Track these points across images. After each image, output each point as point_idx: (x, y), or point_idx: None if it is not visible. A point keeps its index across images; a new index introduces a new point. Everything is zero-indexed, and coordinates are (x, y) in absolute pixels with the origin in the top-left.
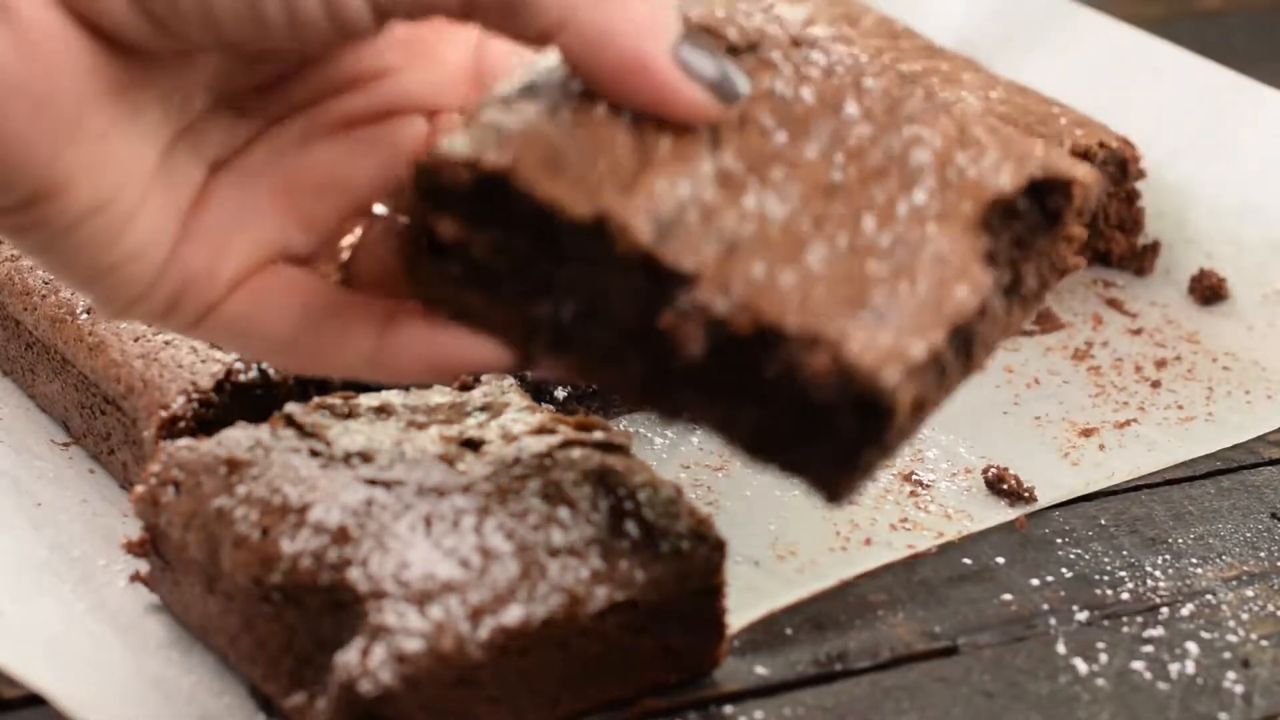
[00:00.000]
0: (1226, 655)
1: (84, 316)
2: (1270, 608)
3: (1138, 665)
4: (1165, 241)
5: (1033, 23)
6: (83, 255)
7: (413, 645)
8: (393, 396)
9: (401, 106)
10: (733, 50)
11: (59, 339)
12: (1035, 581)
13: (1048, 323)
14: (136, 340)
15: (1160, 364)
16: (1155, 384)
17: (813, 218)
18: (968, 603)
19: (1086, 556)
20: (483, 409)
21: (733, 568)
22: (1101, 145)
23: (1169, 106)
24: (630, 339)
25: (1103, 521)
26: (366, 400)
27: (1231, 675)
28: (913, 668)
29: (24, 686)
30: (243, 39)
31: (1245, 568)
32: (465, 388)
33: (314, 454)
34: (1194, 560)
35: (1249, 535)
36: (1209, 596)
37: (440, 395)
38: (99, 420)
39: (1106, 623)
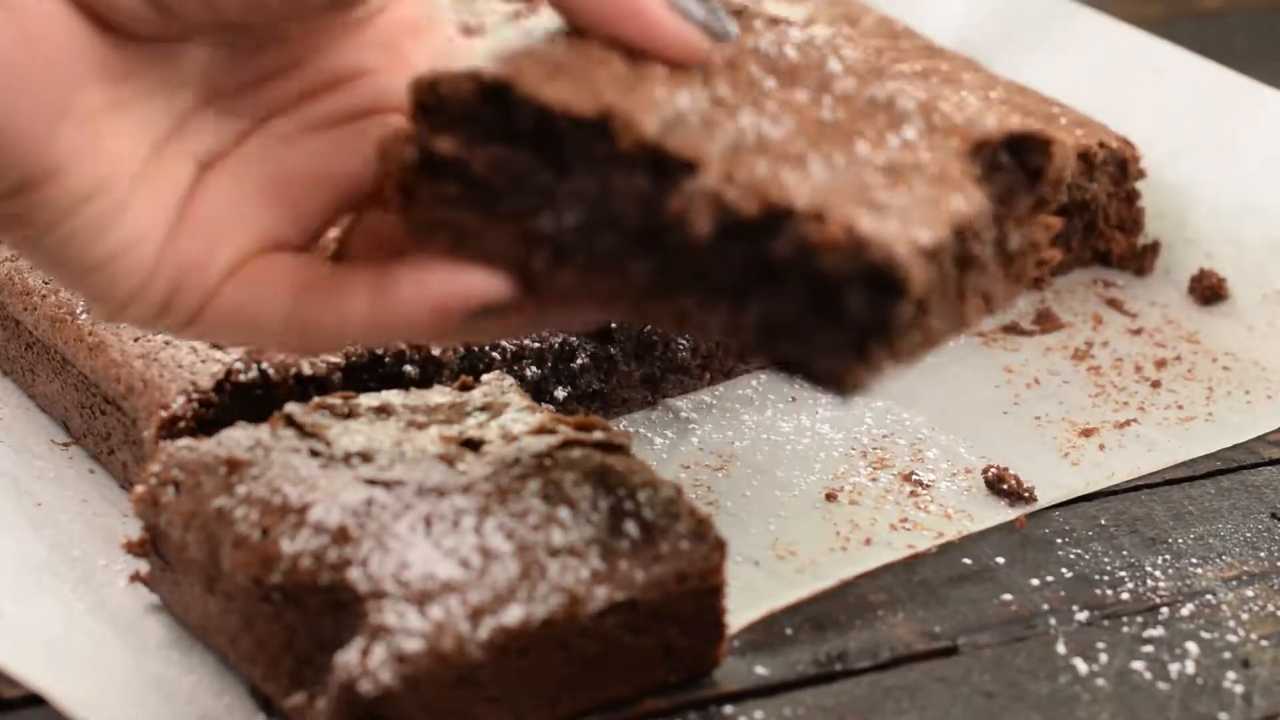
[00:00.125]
0: (1226, 655)
1: (84, 316)
2: (1270, 608)
3: (1138, 665)
4: (1165, 241)
5: (1033, 23)
6: (74, 247)
7: (413, 645)
8: (393, 396)
9: (381, 106)
10: None
11: (59, 339)
12: (1035, 581)
13: (1048, 323)
14: (136, 340)
15: (1160, 364)
16: (1155, 384)
17: (808, 140)
18: (968, 603)
19: (1086, 556)
20: (483, 409)
21: (733, 568)
22: (1101, 145)
23: (1169, 106)
24: (634, 240)
25: (1103, 521)
26: (366, 400)
27: (1231, 675)
28: (913, 668)
29: (24, 686)
30: (239, 16)
31: (1245, 568)
32: (465, 388)
33: (314, 454)
34: (1194, 560)
35: (1249, 535)
36: (1209, 596)
37: (440, 395)
38: (99, 420)
39: (1106, 623)
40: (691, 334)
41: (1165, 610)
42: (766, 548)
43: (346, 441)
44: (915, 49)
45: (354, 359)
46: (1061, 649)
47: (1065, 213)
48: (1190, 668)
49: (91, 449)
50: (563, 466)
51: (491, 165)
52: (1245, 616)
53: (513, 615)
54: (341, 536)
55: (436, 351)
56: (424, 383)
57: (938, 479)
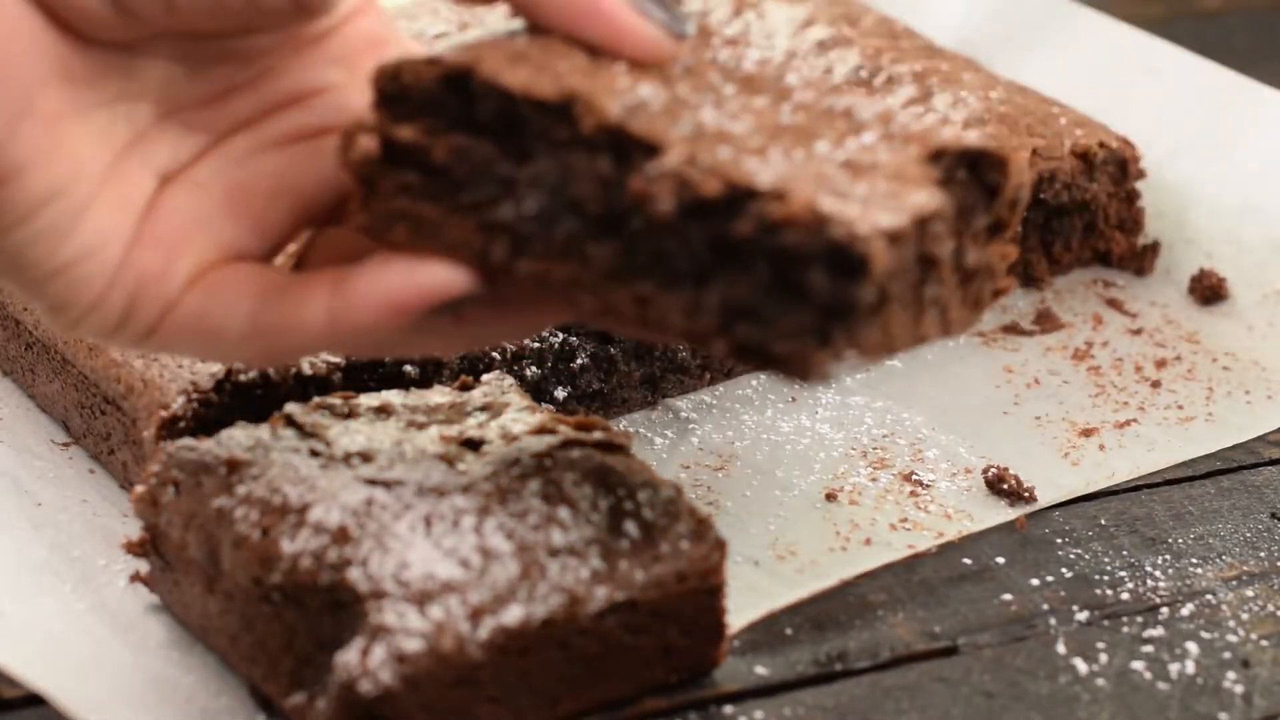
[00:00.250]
0: (1226, 655)
1: None
2: (1270, 608)
3: (1138, 665)
4: (1165, 241)
5: (1033, 23)
6: (35, 251)
7: (413, 645)
8: (393, 396)
9: (341, 122)
10: None
11: (59, 339)
12: (1035, 581)
13: (1048, 323)
14: None
15: (1160, 364)
16: (1155, 384)
17: (767, 136)
18: (968, 603)
19: (1086, 556)
20: (483, 409)
21: (733, 568)
22: (1101, 145)
23: (1169, 106)
24: (594, 224)
25: (1103, 521)
26: (366, 400)
27: (1231, 675)
28: (913, 668)
29: (24, 686)
30: (200, 18)
31: (1245, 568)
32: (465, 388)
33: (314, 454)
34: (1194, 560)
35: (1249, 535)
36: (1209, 596)
37: (440, 395)
38: (99, 420)
39: (1106, 623)
40: (649, 326)
41: (1165, 610)
42: (766, 548)
43: (346, 441)
44: (915, 49)
45: (353, 358)
46: (1061, 649)
47: (1063, 213)
48: (1190, 668)
49: (91, 449)
50: (563, 466)
51: (452, 153)
52: (1245, 616)
53: (513, 615)
54: (341, 536)
55: None
56: (424, 383)
57: (938, 479)
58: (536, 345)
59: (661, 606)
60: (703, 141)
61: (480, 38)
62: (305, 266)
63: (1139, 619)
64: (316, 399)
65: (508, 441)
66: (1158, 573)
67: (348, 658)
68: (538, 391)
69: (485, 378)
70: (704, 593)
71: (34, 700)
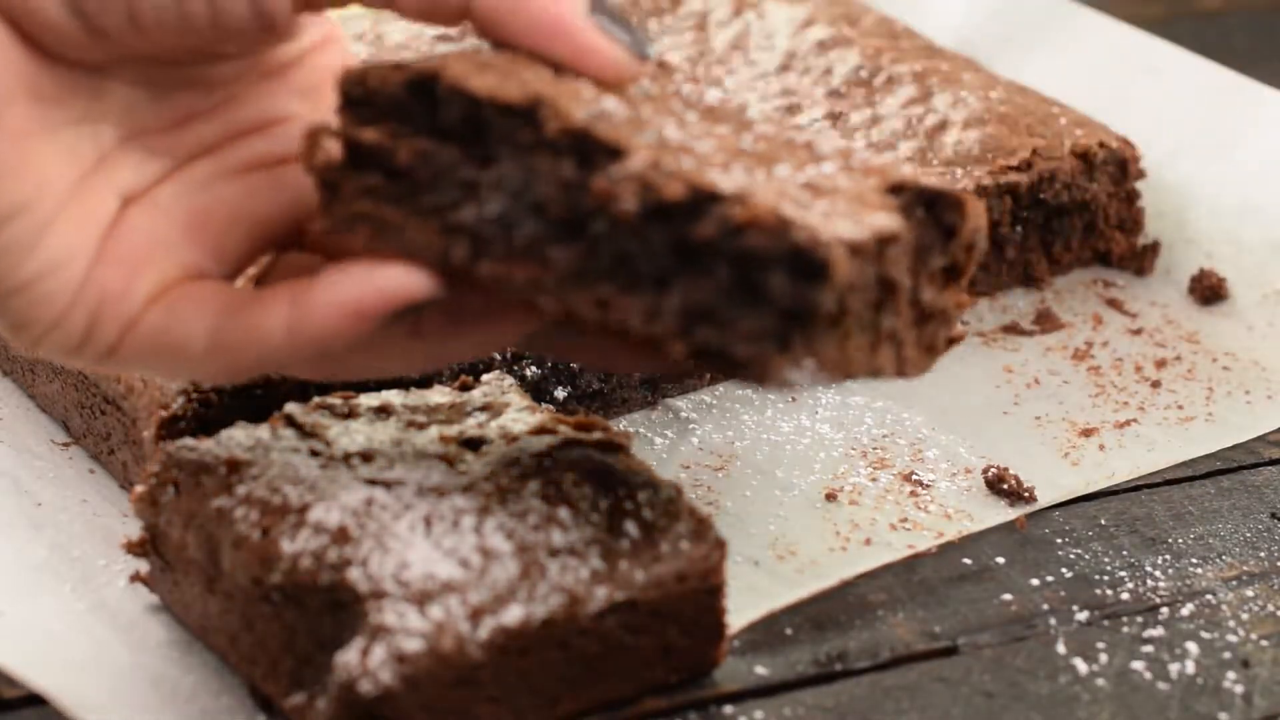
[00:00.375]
0: (1226, 655)
1: None
2: (1270, 608)
3: (1138, 665)
4: (1165, 241)
5: (1033, 23)
6: None
7: (413, 645)
8: (393, 396)
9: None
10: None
11: None
12: (1035, 581)
13: (1048, 323)
14: None
15: (1160, 364)
16: (1155, 384)
17: (730, 155)
18: (968, 603)
19: (1086, 556)
20: (483, 409)
21: (733, 568)
22: (1101, 145)
23: (1169, 106)
24: (556, 227)
25: (1103, 521)
26: (366, 400)
27: (1231, 675)
28: (913, 668)
29: (24, 686)
30: (167, 38)
31: (1245, 568)
32: (465, 388)
33: (314, 454)
34: (1194, 560)
35: (1249, 535)
36: (1209, 596)
37: (440, 395)
38: (99, 420)
39: (1106, 623)
40: (610, 329)
41: (1165, 610)
42: (766, 548)
43: (346, 441)
44: (915, 49)
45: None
46: (1061, 649)
47: (1063, 213)
48: (1190, 668)
49: (91, 449)
50: (563, 466)
51: (416, 156)
52: (1245, 616)
53: (513, 615)
54: (341, 536)
55: None
56: (424, 383)
57: (938, 479)
58: None
59: (661, 606)
60: (666, 150)
61: (445, 50)
62: (270, 272)
63: (1139, 619)
64: (316, 399)
65: (508, 441)
66: (1158, 573)
67: (348, 658)
68: (538, 391)
69: (485, 378)
70: (704, 593)
71: (34, 700)
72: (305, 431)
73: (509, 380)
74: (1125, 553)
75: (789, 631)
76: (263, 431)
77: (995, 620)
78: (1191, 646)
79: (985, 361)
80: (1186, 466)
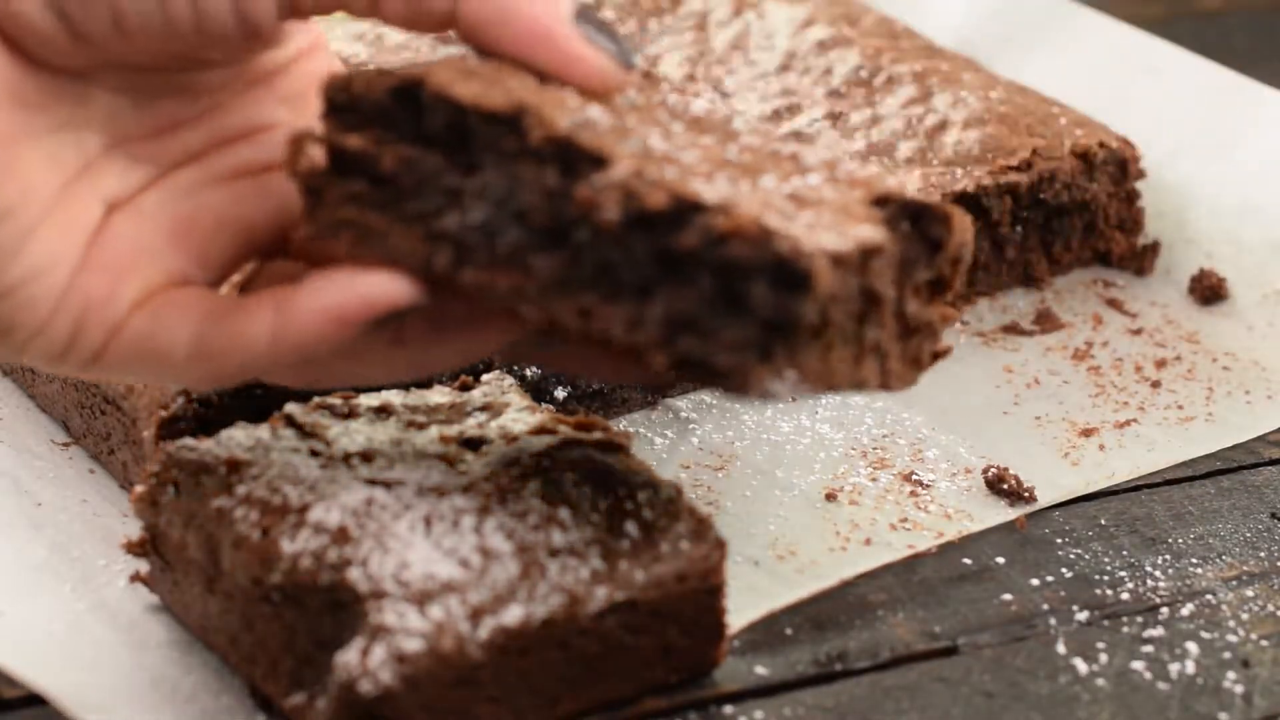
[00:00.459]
0: (1226, 655)
1: None
2: (1270, 608)
3: (1138, 665)
4: (1165, 241)
5: (1033, 23)
6: None
7: (413, 645)
8: (393, 396)
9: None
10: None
11: None
12: (1035, 581)
13: (1048, 323)
14: None
15: (1160, 364)
16: (1155, 384)
17: (714, 166)
18: (968, 603)
19: (1086, 556)
20: (483, 409)
21: (733, 568)
22: (1101, 145)
23: (1169, 106)
24: (539, 235)
25: (1103, 521)
26: (366, 400)
27: (1231, 675)
28: (913, 668)
29: (24, 686)
30: (148, 36)
31: (1245, 568)
32: (465, 388)
33: (314, 454)
34: (1194, 560)
35: (1249, 535)
36: (1209, 596)
37: (440, 395)
38: (99, 420)
39: (1106, 623)
40: (592, 338)
41: (1165, 610)
42: (766, 548)
43: (346, 441)
44: (915, 49)
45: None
46: (1061, 649)
47: (1063, 213)
48: (1190, 668)
49: (91, 449)
50: (563, 466)
51: (400, 163)
52: (1245, 616)
53: (513, 615)
54: (341, 536)
55: None
56: (424, 383)
57: (938, 479)
58: None
59: (661, 606)
60: (650, 160)
61: (444, 51)
62: (255, 280)
63: (1139, 619)
64: (316, 399)
65: (508, 441)
66: (1158, 573)
67: (348, 658)
68: (538, 391)
69: (485, 378)
70: (704, 593)
71: (34, 700)
72: (305, 431)
73: (509, 380)
74: (1125, 553)
75: (789, 631)
76: (263, 431)
77: (995, 620)
78: (1191, 646)
79: (985, 361)
80: (1186, 466)
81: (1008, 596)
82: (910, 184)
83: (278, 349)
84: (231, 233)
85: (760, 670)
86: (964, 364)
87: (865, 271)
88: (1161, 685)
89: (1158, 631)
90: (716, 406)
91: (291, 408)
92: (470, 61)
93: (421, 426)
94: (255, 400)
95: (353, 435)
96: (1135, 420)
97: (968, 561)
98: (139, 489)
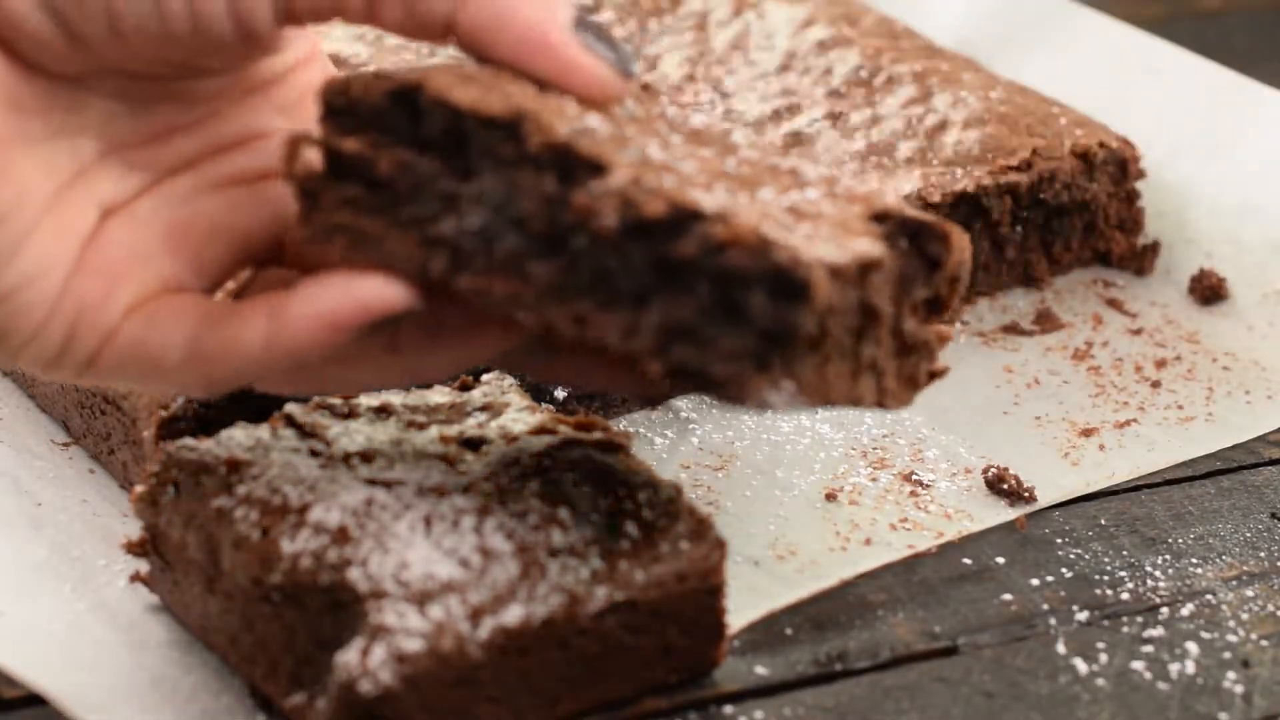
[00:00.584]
0: (1226, 655)
1: None
2: (1270, 608)
3: (1138, 665)
4: (1165, 241)
5: (1032, 23)
6: None
7: (413, 645)
8: (393, 396)
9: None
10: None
11: None
12: (1035, 581)
13: (1048, 323)
14: None
15: (1160, 364)
16: (1155, 384)
17: (712, 177)
18: (968, 603)
19: (1086, 556)
20: (483, 409)
21: (733, 568)
22: (1101, 145)
23: (1169, 106)
24: (536, 241)
25: (1103, 521)
26: (366, 400)
27: (1231, 675)
28: (913, 668)
29: (24, 686)
30: (145, 40)
31: (1245, 568)
32: (465, 388)
33: (314, 454)
34: (1194, 560)
35: (1249, 535)
36: (1209, 596)
37: (440, 395)
38: (99, 420)
39: (1106, 623)
40: (588, 345)
41: (1165, 610)
42: (766, 548)
43: (346, 441)
44: (915, 49)
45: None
46: (1061, 649)
47: (1063, 213)
48: (1190, 668)
49: (91, 449)
50: (563, 466)
51: (397, 167)
52: (1245, 616)
53: (513, 615)
54: (341, 536)
55: None
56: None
57: (938, 479)
58: None
59: (661, 606)
60: (648, 169)
61: (442, 54)
62: (249, 287)
63: (1139, 619)
64: (316, 399)
65: (508, 441)
66: (1158, 573)
67: (347, 658)
68: (538, 391)
69: (485, 377)
70: (704, 593)
71: (34, 700)
72: (305, 431)
73: (509, 380)
74: (1125, 553)
75: (789, 631)
76: (263, 431)
77: (995, 620)
78: (1191, 646)
79: (985, 361)
80: (1186, 466)
81: (1008, 596)
82: (910, 184)
83: (271, 354)
84: (226, 240)
85: (760, 670)
86: (964, 364)
87: (864, 286)
88: (1161, 685)
89: (1158, 631)
90: (716, 407)
91: (291, 408)
92: (469, 67)
93: (421, 426)
94: (255, 400)
95: (353, 435)
96: (1135, 420)
97: (968, 561)
98: (139, 489)
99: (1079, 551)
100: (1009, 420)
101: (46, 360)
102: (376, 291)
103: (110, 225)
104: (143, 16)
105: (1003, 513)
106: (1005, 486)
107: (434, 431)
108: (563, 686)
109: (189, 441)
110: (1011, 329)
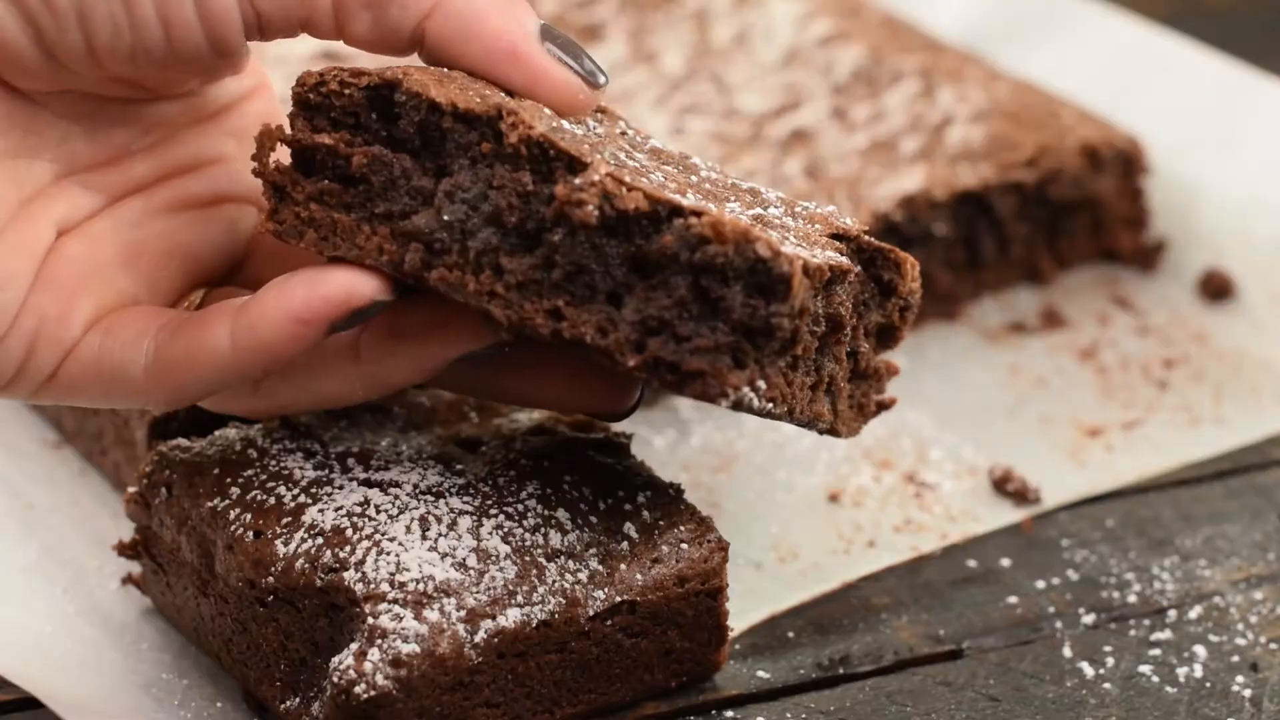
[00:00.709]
0: (1235, 659)
1: None
2: (1279, 610)
3: (1145, 669)
4: (1173, 238)
5: (1037, 18)
6: None
7: (409, 649)
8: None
9: (235, 193)
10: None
11: None
12: (1041, 584)
13: (1053, 322)
14: None
15: (1168, 364)
16: (1163, 384)
17: (681, 186)
18: (972, 605)
19: (1093, 559)
20: (480, 409)
21: (734, 570)
22: (1108, 142)
23: (1176, 102)
24: (511, 238)
25: (1109, 523)
26: None
27: (1240, 679)
28: (916, 671)
29: (16, 690)
30: (120, 64)
31: (1254, 570)
32: None
33: (309, 455)
34: (1202, 562)
35: (1257, 537)
36: (1217, 599)
37: (437, 395)
38: (91, 420)
39: (1113, 626)
40: (562, 340)
41: (1173, 613)
42: (768, 549)
43: (342, 442)
44: (919, 44)
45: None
46: (1068, 652)
47: (1069, 210)
48: (1198, 671)
49: (83, 450)
50: (562, 467)
51: (370, 162)
52: (1254, 619)
53: (510, 618)
54: (337, 538)
55: None
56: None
57: (942, 480)
58: None
59: (662, 609)
60: (624, 170)
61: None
62: (210, 299)
63: (1146, 622)
64: None
65: (506, 442)
66: (1165, 575)
67: (343, 661)
68: None
69: None
70: (705, 595)
71: (26, 704)
72: (300, 432)
73: None
74: (1132, 555)
75: (791, 635)
76: (257, 432)
77: (1000, 623)
78: (1199, 650)
79: (990, 361)
80: (1194, 468)
81: (1013, 599)
82: (914, 181)
83: (239, 356)
84: (179, 260)
85: (762, 674)
86: (969, 363)
87: (830, 296)
88: (1169, 689)
89: (1165, 634)
90: (717, 408)
91: None
92: (443, 70)
93: (419, 427)
94: None
95: (348, 435)
96: (1142, 421)
97: (972, 564)
98: (131, 490)
99: (1085, 553)
100: (1014, 421)
101: (4, 378)
102: (346, 284)
103: (66, 243)
104: (116, 31)
105: (1008, 514)
106: (1011, 488)
107: (431, 432)
108: (561, 691)
109: (182, 442)
110: (1017, 328)
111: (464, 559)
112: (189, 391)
